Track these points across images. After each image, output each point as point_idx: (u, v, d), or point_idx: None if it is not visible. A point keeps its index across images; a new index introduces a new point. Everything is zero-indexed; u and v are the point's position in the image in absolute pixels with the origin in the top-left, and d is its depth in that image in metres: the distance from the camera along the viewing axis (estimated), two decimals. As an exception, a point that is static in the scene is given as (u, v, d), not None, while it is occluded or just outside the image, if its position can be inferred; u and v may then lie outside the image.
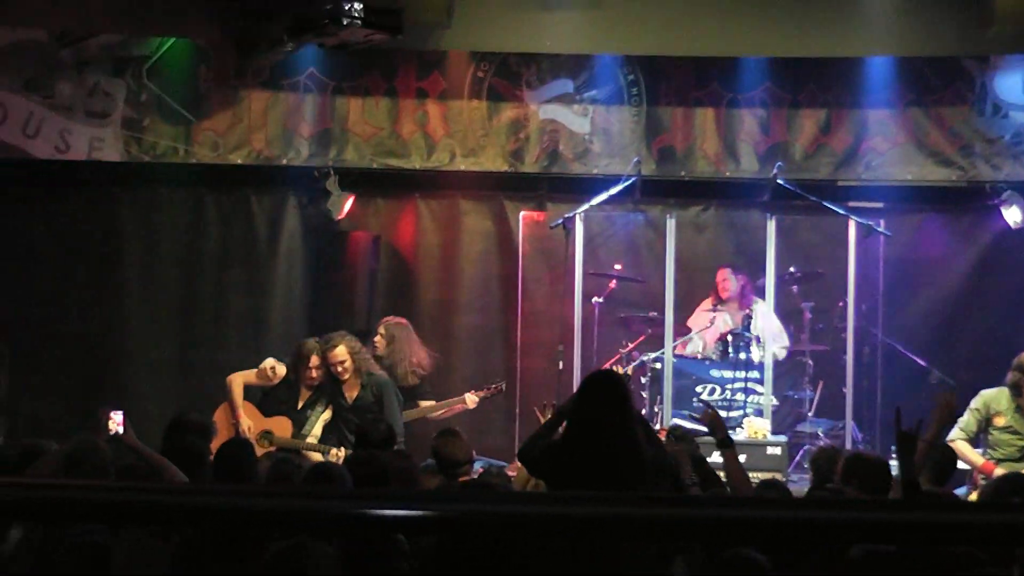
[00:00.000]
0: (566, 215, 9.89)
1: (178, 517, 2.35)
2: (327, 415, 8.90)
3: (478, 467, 7.32)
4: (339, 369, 8.80)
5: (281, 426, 8.84)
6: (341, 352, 8.80)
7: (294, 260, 10.84)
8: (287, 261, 10.84)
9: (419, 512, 2.16)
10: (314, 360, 8.83)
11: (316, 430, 8.85)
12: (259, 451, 7.87)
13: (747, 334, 9.83)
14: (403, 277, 10.91)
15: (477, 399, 9.40)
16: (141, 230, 10.75)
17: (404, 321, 9.56)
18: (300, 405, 8.91)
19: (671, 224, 9.98)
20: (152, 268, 10.71)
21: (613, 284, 10.34)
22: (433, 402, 9.46)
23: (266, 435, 8.78)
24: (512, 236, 10.78)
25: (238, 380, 8.96)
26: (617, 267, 10.42)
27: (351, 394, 8.89)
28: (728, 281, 10.29)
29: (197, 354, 10.61)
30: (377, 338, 9.37)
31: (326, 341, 8.87)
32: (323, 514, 2.13)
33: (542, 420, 6.37)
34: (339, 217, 10.61)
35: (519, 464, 6.28)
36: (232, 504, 2.07)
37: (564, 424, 5.21)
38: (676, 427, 7.76)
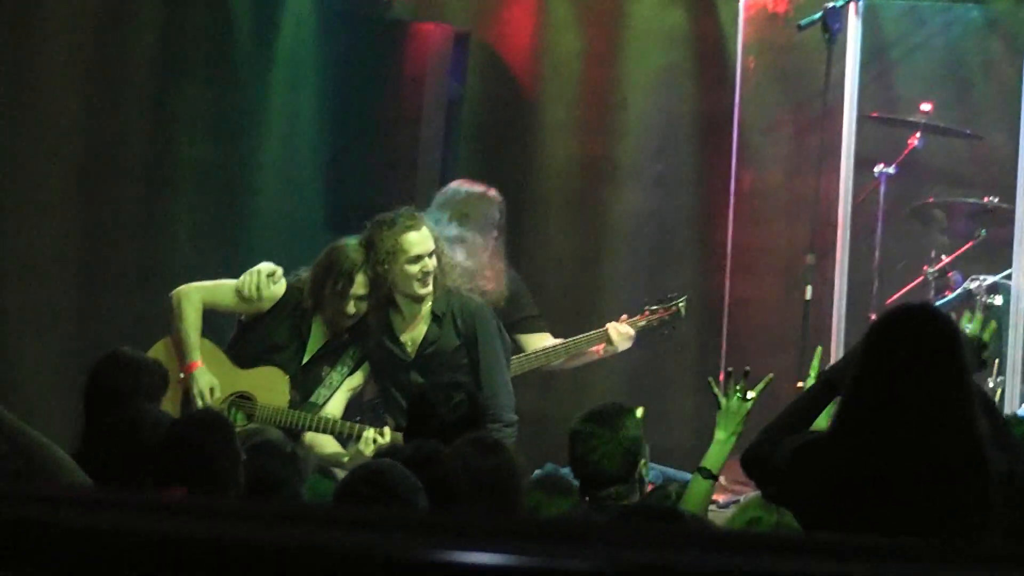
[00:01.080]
0: (828, 4, 9.95)
1: (85, 552, 2.34)
2: (358, 379, 9.04)
3: (648, 481, 7.33)
4: (414, 271, 8.72)
5: (269, 385, 8.95)
6: (423, 238, 8.72)
7: (303, 76, 10.94)
8: (289, 77, 10.94)
9: (544, 562, 2.13)
10: (360, 282, 8.76)
11: (335, 406, 8.99)
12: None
13: None
14: (512, 112, 11.06)
15: (631, 333, 9.45)
16: (6, 23, 10.82)
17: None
18: (308, 357, 9.03)
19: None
20: (30, 94, 10.78)
21: (916, 139, 10.39)
22: (548, 337, 9.54)
23: (241, 402, 8.91)
24: (723, 41, 10.92)
25: (194, 298, 8.97)
26: (926, 108, 10.46)
27: (414, 333, 8.96)
28: None
29: (115, 259, 10.70)
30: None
31: (388, 223, 8.69)
32: (372, 562, 2.09)
33: (722, 400, 6.51)
34: (392, -5, 10.76)
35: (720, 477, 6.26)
36: (196, 534, 2.03)
37: (834, 405, 5.23)
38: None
